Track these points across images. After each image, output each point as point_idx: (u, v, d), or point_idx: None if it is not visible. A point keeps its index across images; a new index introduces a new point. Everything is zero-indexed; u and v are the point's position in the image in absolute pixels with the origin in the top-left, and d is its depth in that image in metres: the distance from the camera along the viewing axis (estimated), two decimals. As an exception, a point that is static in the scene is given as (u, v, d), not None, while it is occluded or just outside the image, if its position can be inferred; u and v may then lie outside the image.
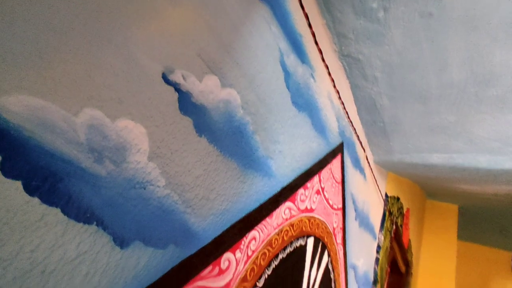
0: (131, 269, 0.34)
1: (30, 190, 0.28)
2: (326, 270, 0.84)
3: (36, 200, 0.28)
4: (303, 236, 0.70)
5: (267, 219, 0.56)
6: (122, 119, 0.35)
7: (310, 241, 0.74)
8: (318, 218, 0.76)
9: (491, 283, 4.04)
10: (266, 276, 0.57)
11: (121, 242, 0.33)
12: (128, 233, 0.34)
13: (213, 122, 0.46)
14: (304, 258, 0.71)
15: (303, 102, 0.71)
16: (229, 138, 0.48)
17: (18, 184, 0.27)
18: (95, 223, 0.32)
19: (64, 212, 0.30)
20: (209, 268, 0.44)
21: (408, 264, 2.40)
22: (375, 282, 1.35)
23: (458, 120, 1.11)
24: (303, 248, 0.70)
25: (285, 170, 0.62)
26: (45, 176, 0.29)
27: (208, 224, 0.44)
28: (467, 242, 4.11)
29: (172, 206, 0.39)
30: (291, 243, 0.65)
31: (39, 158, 0.29)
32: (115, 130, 0.34)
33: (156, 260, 0.37)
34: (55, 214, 0.29)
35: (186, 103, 0.43)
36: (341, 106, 0.95)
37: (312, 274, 0.76)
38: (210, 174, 0.45)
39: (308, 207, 0.71)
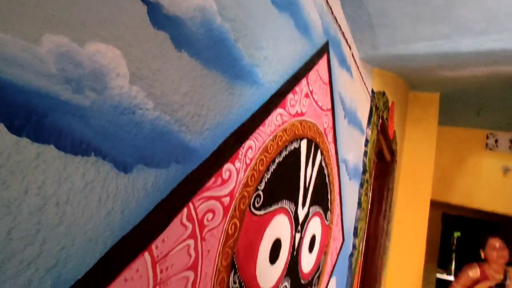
0: (141, 189, 0.36)
1: (15, 130, 0.27)
2: (320, 167, 0.90)
3: (25, 140, 0.28)
4: (297, 139, 0.73)
5: (261, 127, 0.57)
6: (91, 42, 0.32)
7: (304, 143, 0.77)
8: (309, 121, 0.78)
9: (466, 160, 4.46)
10: (266, 179, 0.61)
11: (124, 167, 0.34)
12: (128, 159, 0.35)
13: (191, 34, 0.42)
14: (299, 159, 0.76)
15: (283, 1, 0.65)
16: (210, 50, 0.46)
17: (1, 127, 0.26)
18: (93, 153, 0.32)
19: (58, 147, 0.30)
20: (213, 179, 0.47)
21: (393, 153, 2.60)
22: (364, 172, 1.48)
23: (446, 3, 1.06)
24: (297, 151, 0.73)
25: (272, 76, 0.61)
26: (27, 114, 0.28)
27: (204, 139, 0.45)
28: (446, 126, 4.36)
29: (166, 127, 0.39)
30: (286, 147, 0.68)
31: (14, 96, 0.27)
32: (87, 55, 0.32)
33: (162, 178, 0.39)
34: (49, 150, 0.29)
35: (158, 16, 0.38)
36: (324, 2, 0.88)
37: (308, 172, 0.82)
38: (197, 90, 0.44)
39: (299, 111, 0.72)
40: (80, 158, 0.30)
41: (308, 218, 0.85)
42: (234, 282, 0.54)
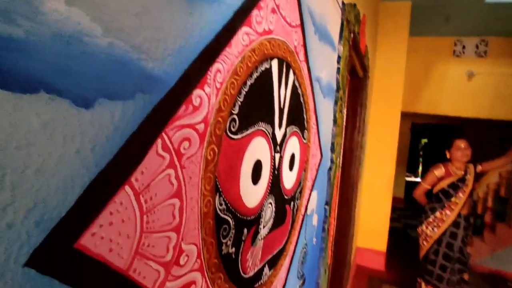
0: (109, 124, 0.34)
1: None
2: (294, 87, 0.89)
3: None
4: (267, 59, 0.70)
5: (227, 49, 0.54)
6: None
7: (274, 63, 0.75)
8: (278, 39, 0.74)
9: (434, 69, 4.56)
10: (239, 103, 0.60)
11: (84, 103, 0.32)
12: (87, 93, 0.32)
13: None
14: (272, 80, 0.74)
15: None
16: (156, -41, 0.39)
17: None
18: (43, 90, 0.29)
19: (3, 88, 0.27)
20: (183, 107, 0.45)
21: (365, 69, 2.61)
22: (337, 89, 1.49)
23: None
24: (268, 71, 0.71)
25: (233, -11, 0.55)
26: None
27: (168, 66, 0.42)
28: (415, 37, 4.34)
29: (123, 55, 0.36)
30: (256, 68, 0.65)
31: None
32: (7, -26, 0.26)
33: (130, 110, 0.37)
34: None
35: None
36: None
37: (281, 93, 0.81)
38: (151, 11, 0.39)
39: (266, 29, 0.68)
40: (29, 96, 0.28)
41: (286, 139, 0.88)
42: (220, 204, 0.57)
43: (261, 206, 0.75)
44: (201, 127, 0.49)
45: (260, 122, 0.70)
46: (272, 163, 0.80)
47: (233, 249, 0.64)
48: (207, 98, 0.50)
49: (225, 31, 0.53)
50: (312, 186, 1.23)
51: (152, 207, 0.41)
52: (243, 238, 0.68)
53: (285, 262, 0.99)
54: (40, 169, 0.29)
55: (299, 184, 1.04)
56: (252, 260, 0.74)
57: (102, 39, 0.34)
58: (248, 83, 0.63)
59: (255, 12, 0.63)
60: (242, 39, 0.59)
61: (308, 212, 1.22)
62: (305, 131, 1.06)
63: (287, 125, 0.87)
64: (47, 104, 0.29)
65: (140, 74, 0.38)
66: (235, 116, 0.59)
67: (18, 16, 0.28)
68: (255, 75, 0.65)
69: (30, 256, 0.28)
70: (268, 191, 0.79)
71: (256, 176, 0.71)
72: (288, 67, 0.84)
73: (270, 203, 0.81)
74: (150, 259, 0.41)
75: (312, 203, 1.27)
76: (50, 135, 0.29)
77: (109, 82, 0.34)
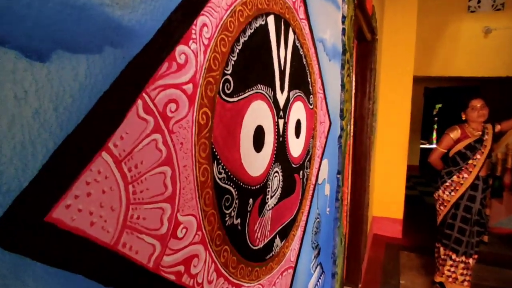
0: (71, 80, 0.30)
1: None
2: (295, 48, 0.82)
3: None
4: (261, 15, 0.63)
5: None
6: None
7: (271, 20, 0.68)
8: (272, -10, 0.67)
9: (447, 28, 4.30)
10: (233, 62, 0.54)
11: (37, 55, 0.27)
12: (40, 44, 0.27)
13: None
14: (269, 38, 0.68)
15: None
16: None
17: None
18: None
19: None
20: (165, 65, 0.40)
21: (373, 31, 2.47)
22: (343, 52, 1.40)
23: None
24: (264, 28, 0.65)
25: None
26: None
27: (142, 15, 0.37)
28: (427, -9, 4.07)
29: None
30: (250, 24, 0.59)
31: None
32: None
33: (98, 66, 0.32)
34: None
35: None
36: None
37: (281, 54, 0.74)
38: (114, -49, 0.34)
39: (258, -22, 0.61)
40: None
41: (290, 103, 0.82)
42: (220, 173, 0.53)
43: (266, 175, 0.71)
44: (189, 87, 0.44)
45: (259, 85, 0.64)
46: (276, 129, 0.75)
47: (239, 220, 0.60)
48: (193, 55, 0.45)
49: None
50: (322, 154, 1.18)
51: (138, 177, 0.37)
52: (248, 208, 0.64)
53: (298, 232, 0.96)
54: (-11, 133, 0.24)
55: (308, 152, 1.00)
56: (261, 232, 0.71)
57: (55, -19, 0.28)
58: (242, 40, 0.57)
59: (243, -42, 0.56)
60: (230, -11, 0.52)
61: (319, 181, 1.17)
62: (311, 96, 0.99)
63: (290, 89, 0.81)
64: (-10, 57, 0.24)
65: (107, 23, 0.33)
66: (229, 77, 0.54)
67: None
68: (249, 32, 0.59)
69: (-9, 232, 0.25)
70: (273, 159, 0.74)
71: (258, 143, 0.66)
72: (287, 25, 0.77)
73: (277, 172, 0.77)
74: (142, 233, 0.38)
75: (323, 172, 1.22)
76: (-1, 94, 0.25)
77: (67, 32, 0.29)
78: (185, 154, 0.44)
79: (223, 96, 0.53)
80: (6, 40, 0.25)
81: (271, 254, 0.77)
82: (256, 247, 0.69)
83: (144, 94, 0.37)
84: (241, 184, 0.60)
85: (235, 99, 0.56)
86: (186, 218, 0.45)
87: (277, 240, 0.81)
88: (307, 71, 0.94)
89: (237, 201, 0.59)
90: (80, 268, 0.31)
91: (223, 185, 0.54)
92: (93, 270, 0.33)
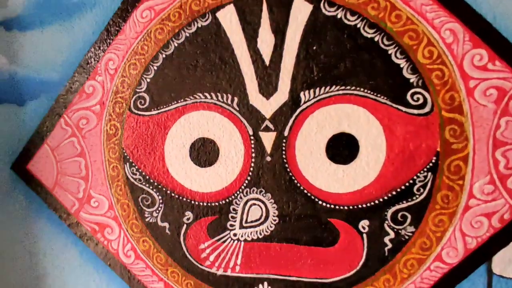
0: (19, 117, 0.69)
1: None
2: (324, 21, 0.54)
3: None
4: (203, 15, 0.58)
5: (119, 37, 0.61)
6: None
7: (227, 11, 0.57)
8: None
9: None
10: (148, 80, 0.61)
11: None
12: None
13: None
14: (221, 36, 0.58)
15: None
16: None
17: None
18: None
19: None
20: (77, 96, 0.65)
21: None
22: None
23: None
24: (211, 27, 0.58)
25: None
26: None
27: (57, 74, 0.66)
28: None
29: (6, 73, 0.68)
30: (177, 34, 0.59)
31: None
32: None
33: (33, 120, 0.68)
34: None
35: None
36: None
37: (263, 45, 0.57)
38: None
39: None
40: None
41: (301, 110, 0.57)
42: (134, 173, 0.64)
43: (226, 196, 0.61)
44: (97, 108, 0.64)
45: (198, 94, 0.60)
46: (251, 145, 0.59)
47: (166, 224, 0.64)
48: (100, 85, 0.64)
49: (107, 28, 0.62)
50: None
51: (63, 159, 0.68)
52: (185, 220, 0.63)
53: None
54: None
55: (392, 192, 0.55)
56: (220, 258, 0.63)
57: None
58: (161, 56, 0.60)
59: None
60: (141, 17, 0.60)
61: (507, 273, 0.53)
62: (416, 91, 0.53)
63: (301, 86, 0.56)
64: None
65: (35, 85, 0.67)
66: (143, 93, 0.62)
67: None
68: (175, 43, 0.60)
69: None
70: (245, 181, 0.60)
71: (202, 157, 0.61)
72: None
73: (257, 201, 0.60)
74: (67, 191, 0.68)
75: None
76: None
77: (9, 93, 0.68)
78: (96, 153, 0.66)
79: (136, 111, 0.63)
80: None
81: (245, 296, 0.63)
82: (208, 269, 0.64)
83: (64, 115, 0.66)
84: (168, 191, 0.63)
85: (153, 112, 0.62)
86: (98, 195, 0.67)
87: (265, 288, 0.62)
88: (391, 47, 0.53)
89: (162, 205, 0.64)
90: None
91: (139, 184, 0.64)
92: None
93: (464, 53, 0.51)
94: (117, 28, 0.62)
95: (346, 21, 0.54)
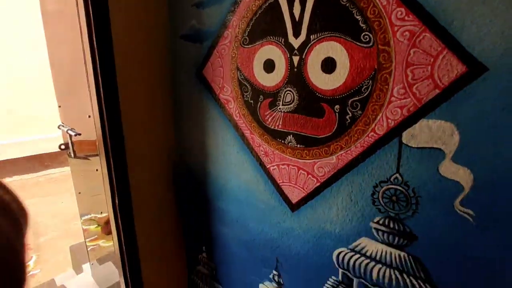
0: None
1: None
2: (314, -1, 1.05)
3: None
4: (270, -4, 1.17)
5: (240, 6, 1.29)
6: None
7: (282, -7, 1.14)
8: (274, -22, 1.12)
9: None
10: (248, 29, 1.27)
11: (204, 41, 1.50)
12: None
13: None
14: (279, 4, 1.15)
15: None
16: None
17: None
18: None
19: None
20: (222, 38, 1.39)
21: None
22: None
23: None
24: (275, 1, 1.17)
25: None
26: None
27: (210, 26, 1.40)
28: None
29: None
30: (265, 1, 1.22)
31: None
32: None
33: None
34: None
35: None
36: None
37: (295, 10, 1.11)
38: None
39: (261, -19, 1.17)
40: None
41: (311, 44, 1.11)
42: (240, 76, 1.35)
43: (277, 88, 1.24)
44: (227, 43, 1.36)
45: (268, 36, 1.22)
46: (288, 63, 1.18)
47: (252, 102, 1.34)
48: (228, 32, 1.34)
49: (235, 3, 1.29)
50: (423, 110, 0.92)
51: (216, 68, 1.46)
52: (259, 99, 1.31)
53: (328, 158, 1.15)
54: (198, 55, 1.54)
55: (355, 91, 1.04)
56: (272, 119, 1.29)
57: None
58: (256, 15, 1.24)
59: (258, -25, 1.20)
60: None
61: (412, 143, 0.95)
62: (365, 33, 0.97)
63: (311, 32, 1.09)
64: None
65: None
66: (246, 36, 1.29)
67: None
68: (264, 6, 1.22)
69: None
70: (285, 81, 1.21)
71: (268, 68, 1.25)
72: (309, -17, 1.07)
73: (290, 91, 1.20)
74: (215, 83, 1.47)
75: (435, 139, 0.91)
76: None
77: (196, 37, 1.47)
78: (227, 63, 1.40)
79: (243, 45, 1.31)
80: (200, 39, 1.51)
81: (281, 141, 1.28)
82: (268, 125, 1.31)
83: (216, 48, 1.42)
84: (255, 85, 1.31)
85: (250, 46, 1.29)
86: (226, 86, 1.42)
87: (291, 137, 1.24)
88: (353, 9, 0.99)
89: (251, 92, 1.33)
90: (207, 85, 1.53)
91: (243, 81, 1.35)
92: (210, 87, 1.53)
93: (392, 10, 0.91)
94: (238, 4, 1.29)
95: (335, -5, 1.01)
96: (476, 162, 0.85)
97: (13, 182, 5.59)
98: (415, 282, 1.04)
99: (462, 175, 0.88)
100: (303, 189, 1.26)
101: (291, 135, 1.25)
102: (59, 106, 2.37)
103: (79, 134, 2.02)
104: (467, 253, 0.91)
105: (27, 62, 5.35)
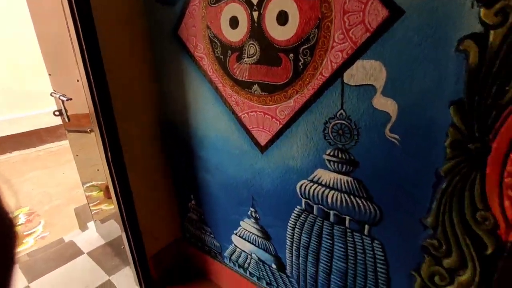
0: (179, 6, 1.60)
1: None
2: (266, -44, 1.17)
3: None
4: (230, -44, 1.29)
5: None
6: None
7: (239, -48, 1.25)
8: None
9: None
10: None
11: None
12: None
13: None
14: None
15: None
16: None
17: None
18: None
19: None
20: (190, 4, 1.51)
21: None
22: None
23: None
24: None
25: None
26: None
27: (187, -14, 1.52)
28: None
29: None
30: None
31: None
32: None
33: (182, 2, 1.57)
34: None
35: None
36: None
37: (250, -32, 1.23)
38: None
39: None
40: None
41: (265, 2, 1.24)
42: (211, 33, 1.48)
43: (242, 42, 1.38)
44: (196, 3, 1.48)
45: (231, -6, 1.34)
46: (249, 18, 1.31)
47: (222, 57, 1.48)
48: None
49: None
50: (357, 52, 1.07)
51: (189, 27, 1.58)
52: (228, 54, 1.45)
53: (286, 100, 1.32)
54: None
55: (305, 40, 1.18)
56: (239, 72, 1.44)
57: None
58: (218, -24, 1.35)
59: None
60: (210, -42, 1.35)
61: (352, 82, 1.12)
62: (309, -14, 1.10)
63: (266, -12, 1.22)
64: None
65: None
66: (212, -4, 1.41)
67: None
68: (222, -30, 1.33)
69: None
70: (248, 35, 1.35)
71: (233, 24, 1.38)
72: None
73: (252, 44, 1.35)
74: (189, 42, 1.60)
75: (368, 76, 1.07)
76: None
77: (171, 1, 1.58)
78: (198, 22, 1.53)
79: (210, 4, 1.43)
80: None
81: (248, 90, 1.44)
82: (236, 77, 1.47)
83: (188, 8, 1.54)
84: (223, 42, 1.45)
85: (216, 5, 1.41)
86: (199, 44, 1.56)
87: (256, 86, 1.41)
88: (299, -36, 1.11)
89: (220, 48, 1.48)
90: (183, 45, 1.67)
91: (213, 39, 1.49)
92: (185, 47, 1.66)
93: (329, -36, 1.03)
94: (203, -36, 1.40)
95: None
96: (399, 93, 1.03)
97: (15, 157, 5.79)
98: (359, 202, 1.26)
99: (390, 106, 1.06)
100: (269, 132, 1.44)
101: (256, 84, 1.42)
102: (49, 75, 2.50)
103: (70, 99, 2.17)
104: (395, 172, 1.11)
105: (19, 38, 5.36)
